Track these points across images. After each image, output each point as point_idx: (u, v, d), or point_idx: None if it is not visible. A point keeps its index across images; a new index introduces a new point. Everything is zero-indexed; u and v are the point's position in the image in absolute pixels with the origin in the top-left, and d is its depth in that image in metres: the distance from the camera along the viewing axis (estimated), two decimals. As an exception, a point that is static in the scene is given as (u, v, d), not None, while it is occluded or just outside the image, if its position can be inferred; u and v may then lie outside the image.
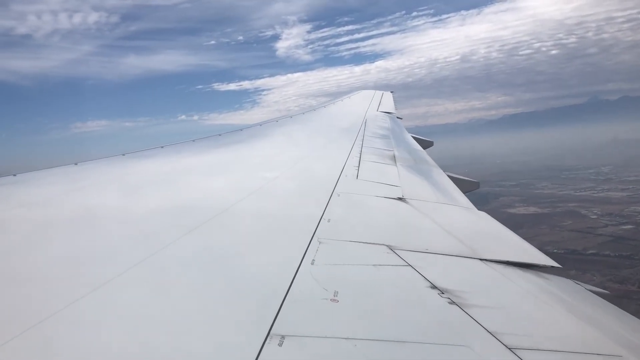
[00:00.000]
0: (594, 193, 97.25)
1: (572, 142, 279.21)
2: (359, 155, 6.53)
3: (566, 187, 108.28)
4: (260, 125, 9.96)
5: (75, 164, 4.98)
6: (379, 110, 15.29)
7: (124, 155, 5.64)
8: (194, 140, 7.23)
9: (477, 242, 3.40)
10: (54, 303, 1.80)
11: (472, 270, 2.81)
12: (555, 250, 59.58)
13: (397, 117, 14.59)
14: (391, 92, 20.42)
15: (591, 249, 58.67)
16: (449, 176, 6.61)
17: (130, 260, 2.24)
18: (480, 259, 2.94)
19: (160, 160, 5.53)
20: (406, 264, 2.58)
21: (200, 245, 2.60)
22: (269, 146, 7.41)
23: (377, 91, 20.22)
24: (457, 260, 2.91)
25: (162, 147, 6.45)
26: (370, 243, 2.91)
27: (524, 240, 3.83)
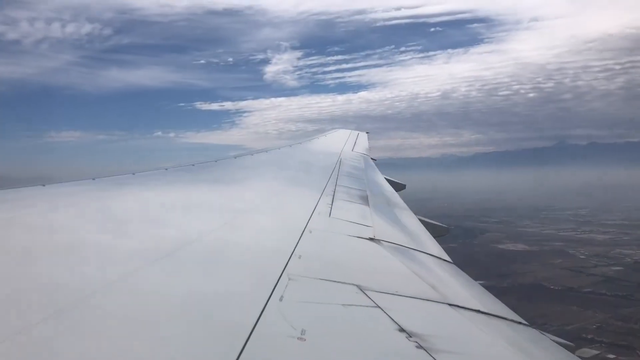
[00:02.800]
0: (577, 234, 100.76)
1: (544, 183, 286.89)
2: (332, 194, 6.51)
3: (548, 226, 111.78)
4: (235, 157, 9.84)
5: (43, 185, 4.81)
6: (354, 150, 15.47)
7: (94, 179, 5.50)
8: (166, 169, 7.12)
9: (446, 289, 3.41)
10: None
11: (440, 315, 2.80)
12: (552, 287, 61.92)
13: (372, 159, 14.79)
14: (366, 132, 20.84)
15: (586, 287, 60.92)
16: (420, 220, 6.72)
17: (90, 291, 2.12)
18: (450, 305, 2.93)
19: (130, 189, 5.41)
20: (375, 305, 2.54)
21: (165, 277, 2.51)
22: (243, 180, 7.34)
23: (353, 131, 20.56)
24: (426, 304, 2.89)
25: (133, 173, 6.26)
26: (340, 282, 2.88)
27: (491, 295, 3.86)
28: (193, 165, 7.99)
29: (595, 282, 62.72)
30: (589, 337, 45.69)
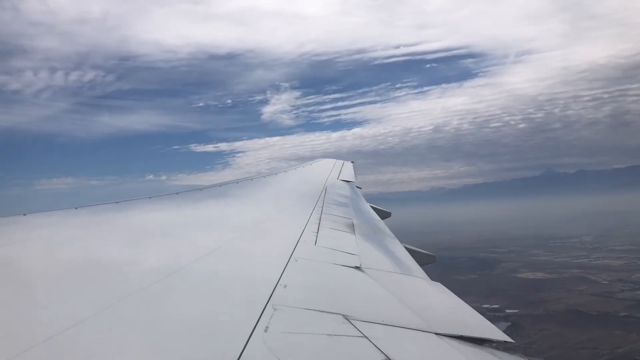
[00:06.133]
0: (590, 261, 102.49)
1: (539, 212, 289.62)
2: (318, 222, 6.48)
3: (559, 254, 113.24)
4: (220, 186, 9.88)
5: (24, 214, 4.88)
6: (339, 178, 15.37)
7: (76, 209, 5.52)
8: (150, 197, 7.09)
9: (432, 315, 3.40)
10: None
11: (426, 344, 2.79)
12: (589, 312, 63.22)
13: (357, 187, 14.79)
14: (352, 162, 20.80)
15: (621, 311, 62.26)
16: (405, 247, 6.74)
17: (67, 325, 2.08)
18: (435, 333, 2.92)
19: (111, 215, 5.41)
20: (361, 334, 2.51)
21: (148, 308, 2.48)
22: (227, 208, 7.30)
23: (338, 160, 20.37)
24: (412, 333, 2.87)
25: (116, 202, 6.29)
26: (326, 312, 2.84)
27: (478, 313, 3.83)
28: (177, 193, 7.93)
29: (629, 306, 64.05)
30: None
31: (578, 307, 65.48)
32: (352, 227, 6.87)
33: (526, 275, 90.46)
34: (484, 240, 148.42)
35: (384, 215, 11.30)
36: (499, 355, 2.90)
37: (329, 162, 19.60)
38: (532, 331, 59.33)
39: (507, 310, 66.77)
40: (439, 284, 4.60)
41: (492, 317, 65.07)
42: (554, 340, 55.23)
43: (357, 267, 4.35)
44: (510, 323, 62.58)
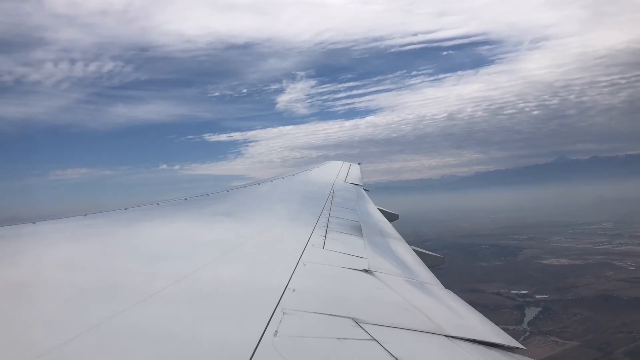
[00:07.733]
0: (613, 247, 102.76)
1: (555, 199, 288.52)
2: (325, 226, 6.52)
3: (581, 241, 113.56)
4: (228, 191, 9.98)
5: (34, 222, 4.86)
6: (347, 181, 15.71)
7: (85, 216, 5.58)
8: (158, 204, 7.23)
9: (442, 319, 3.40)
10: None
11: (437, 346, 2.79)
12: (619, 297, 64.06)
13: (364, 189, 15.03)
14: (358, 163, 21.62)
15: (652, 296, 62.99)
16: (413, 250, 6.80)
17: (79, 331, 2.07)
18: (446, 336, 2.92)
19: (121, 224, 5.45)
20: (371, 338, 2.51)
21: (157, 314, 2.49)
22: (234, 213, 7.34)
23: (345, 162, 21.17)
24: (422, 336, 2.88)
25: (125, 209, 6.36)
26: (335, 315, 2.85)
27: (488, 320, 3.83)
28: (186, 199, 8.01)
29: (658, 291, 64.69)
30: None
31: (608, 292, 66.23)
32: (359, 230, 6.94)
33: (550, 262, 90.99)
34: (502, 227, 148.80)
35: (391, 217, 11.46)
36: (509, 356, 2.95)
37: (336, 165, 20.23)
38: (564, 316, 60.31)
39: (537, 296, 67.69)
40: (449, 291, 4.59)
41: (522, 302, 66.41)
42: (588, 325, 56.16)
43: (365, 270, 4.35)
44: (541, 308, 63.74)
